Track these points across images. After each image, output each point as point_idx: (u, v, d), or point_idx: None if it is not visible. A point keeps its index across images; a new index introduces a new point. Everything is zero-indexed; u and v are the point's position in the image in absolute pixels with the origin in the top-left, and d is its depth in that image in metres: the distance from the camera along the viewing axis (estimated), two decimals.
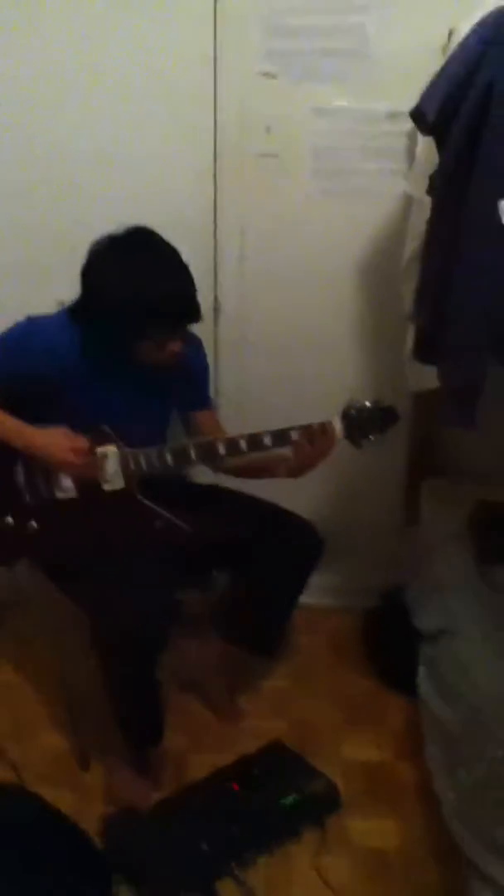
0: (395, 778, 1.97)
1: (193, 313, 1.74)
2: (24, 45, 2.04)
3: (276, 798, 1.81)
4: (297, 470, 1.82)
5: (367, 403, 1.74)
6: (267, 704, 2.20)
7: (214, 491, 2.10)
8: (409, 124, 1.73)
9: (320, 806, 1.84)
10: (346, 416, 1.74)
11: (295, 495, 2.28)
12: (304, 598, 2.01)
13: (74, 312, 1.77)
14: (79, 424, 1.78)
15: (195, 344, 1.98)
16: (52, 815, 1.52)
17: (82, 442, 1.76)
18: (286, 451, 1.80)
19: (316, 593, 2.07)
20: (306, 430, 1.73)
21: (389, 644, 2.30)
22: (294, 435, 1.74)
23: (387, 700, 2.22)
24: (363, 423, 1.74)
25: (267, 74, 2.03)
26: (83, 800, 1.87)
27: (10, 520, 1.83)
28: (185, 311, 1.72)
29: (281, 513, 1.94)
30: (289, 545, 1.89)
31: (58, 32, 2.02)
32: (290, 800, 1.80)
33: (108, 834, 1.73)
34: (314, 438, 1.73)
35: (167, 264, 1.69)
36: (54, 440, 1.75)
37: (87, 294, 1.73)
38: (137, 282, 1.65)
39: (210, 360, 2.25)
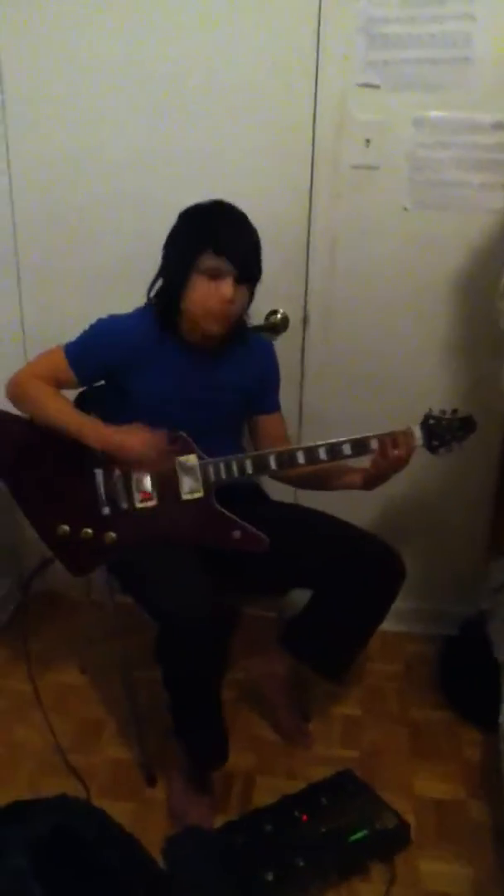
0: (469, 817, 1.88)
1: (247, 254, 1.76)
2: (130, 53, 2.05)
3: (344, 831, 1.74)
4: (373, 479, 1.80)
5: (446, 412, 1.75)
6: (337, 731, 2.14)
7: (295, 509, 2.06)
8: None
9: (390, 843, 1.76)
10: (425, 425, 1.75)
11: (377, 515, 2.22)
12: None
13: (151, 296, 1.84)
14: (151, 415, 1.80)
15: (264, 346, 2.01)
16: (116, 833, 1.49)
17: (160, 437, 1.77)
18: (364, 462, 1.79)
19: (392, 618, 2.00)
20: (386, 437, 1.73)
21: (467, 675, 2.21)
22: (374, 443, 1.74)
23: (462, 733, 2.13)
24: (443, 432, 1.75)
25: (368, 85, 1.98)
26: (147, 816, 1.85)
27: (88, 531, 1.82)
28: (237, 245, 1.74)
29: (363, 536, 1.88)
30: (369, 571, 1.82)
31: (162, 41, 2.02)
32: (359, 834, 1.74)
33: (170, 854, 1.69)
34: (394, 446, 1.72)
35: (229, 213, 1.76)
36: (132, 436, 1.77)
37: (163, 258, 1.81)
38: (196, 220, 1.76)
39: (296, 372, 2.24)
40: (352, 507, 1.99)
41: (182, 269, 1.75)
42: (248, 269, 1.76)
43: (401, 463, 1.74)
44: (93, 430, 1.77)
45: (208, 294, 1.74)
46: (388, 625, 1.98)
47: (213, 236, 1.72)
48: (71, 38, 2.05)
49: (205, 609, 1.62)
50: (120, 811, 1.68)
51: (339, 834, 1.74)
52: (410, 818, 1.83)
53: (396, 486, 1.86)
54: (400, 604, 1.91)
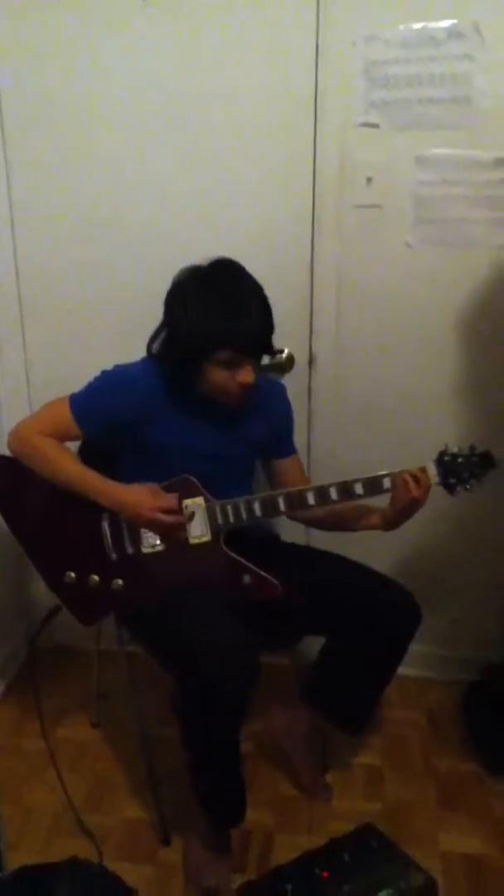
0: (501, 874, 1.78)
1: (263, 345, 1.72)
2: (131, 97, 2.07)
3: (368, 890, 1.65)
4: (392, 520, 1.75)
5: (463, 448, 1.70)
6: (358, 783, 2.06)
7: (307, 551, 2.02)
8: None
9: None
10: (440, 462, 1.69)
11: (396, 557, 2.15)
12: (400, 668, 1.86)
13: (155, 350, 1.79)
14: (163, 468, 1.76)
15: (278, 388, 1.97)
16: None
17: (169, 500, 1.73)
18: (378, 501, 1.74)
19: (413, 663, 1.93)
20: (399, 476, 1.68)
21: (493, 723, 2.14)
22: (386, 482, 1.69)
23: (490, 785, 2.04)
24: (460, 469, 1.69)
25: (368, 125, 1.99)
26: (163, 878, 1.78)
27: (95, 577, 1.78)
28: (254, 340, 1.69)
29: (377, 579, 1.82)
30: (383, 621, 1.76)
31: (163, 83, 2.04)
32: (384, 893, 1.64)
33: None
34: (409, 486, 1.66)
35: (244, 295, 1.68)
36: (140, 498, 1.72)
37: (166, 320, 1.75)
38: (212, 309, 1.65)
39: (304, 413, 2.21)
40: (370, 549, 1.94)
41: (195, 359, 1.68)
42: (265, 350, 1.73)
43: (418, 502, 1.69)
44: (101, 489, 1.74)
45: (226, 380, 1.69)
46: (410, 670, 1.92)
47: (232, 335, 1.65)
48: (73, 83, 2.07)
49: (250, 671, 1.57)
50: (134, 874, 1.62)
51: (363, 893, 1.64)
52: (437, 876, 1.74)
53: (416, 527, 1.81)
54: (421, 648, 1.85)
